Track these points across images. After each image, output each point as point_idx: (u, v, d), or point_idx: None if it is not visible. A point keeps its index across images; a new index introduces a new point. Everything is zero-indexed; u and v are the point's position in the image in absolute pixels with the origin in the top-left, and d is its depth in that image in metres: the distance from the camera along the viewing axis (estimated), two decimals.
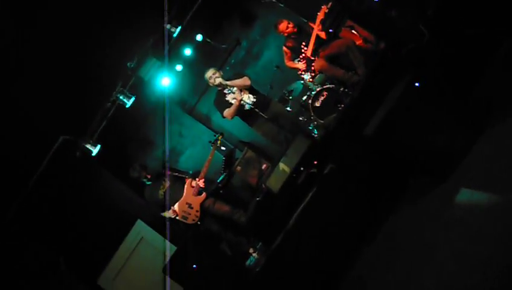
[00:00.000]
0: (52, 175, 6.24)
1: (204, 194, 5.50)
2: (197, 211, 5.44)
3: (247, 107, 5.44)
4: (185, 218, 5.45)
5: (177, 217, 5.46)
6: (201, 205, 5.46)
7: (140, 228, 6.64)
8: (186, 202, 5.44)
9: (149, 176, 5.59)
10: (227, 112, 5.57)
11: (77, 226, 6.64)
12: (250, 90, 5.60)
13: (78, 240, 6.60)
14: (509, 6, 3.35)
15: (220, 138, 5.73)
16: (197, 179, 5.54)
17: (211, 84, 5.66)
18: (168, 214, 5.51)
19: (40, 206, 6.49)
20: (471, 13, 3.73)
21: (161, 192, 5.54)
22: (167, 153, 6.85)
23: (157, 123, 7.99)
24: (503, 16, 3.39)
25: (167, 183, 5.57)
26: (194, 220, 5.44)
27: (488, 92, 3.56)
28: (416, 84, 3.37)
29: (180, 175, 5.64)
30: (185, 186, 5.52)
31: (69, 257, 6.51)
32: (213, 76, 5.55)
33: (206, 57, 7.58)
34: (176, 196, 5.50)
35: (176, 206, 5.45)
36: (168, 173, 5.64)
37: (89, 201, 6.68)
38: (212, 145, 5.68)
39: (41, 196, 6.38)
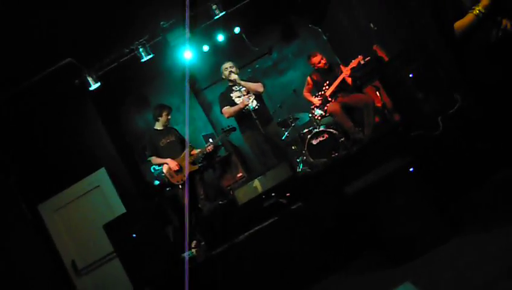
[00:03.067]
0: (44, 90, 6.17)
1: (197, 166, 5.51)
2: (184, 176, 5.45)
3: (248, 109, 5.39)
4: (171, 176, 5.46)
5: (164, 171, 5.47)
6: (191, 173, 5.46)
7: (102, 176, 6.58)
8: (179, 164, 5.43)
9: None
10: (227, 109, 5.55)
11: (43, 147, 6.55)
12: (259, 98, 5.58)
13: (37, 160, 6.51)
14: None
15: (232, 131, 5.75)
16: (199, 149, 5.58)
17: (224, 77, 5.66)
18: (155, 161, 5.53)
19: (18, 114, 6.41)
20: (487, 128, 3.80)
21: (164, 141, 5.57)
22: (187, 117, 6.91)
23: (161, 88, 8.00)
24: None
25: (172, 138, 5.62)
26: (177, 181, 5.46)
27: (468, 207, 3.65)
28: (411, 169, 3.41)
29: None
30: (186, 150, 5.52)
31: (22, 172, 6.41)
32: (230, 69, 5.54)
33: (234, 51, 7.62)
34: (173, 154, 5.50)
35: (169, 161, 5.43)
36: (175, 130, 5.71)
37: (65, 129, 6.61)
38: (221, 132, 5.73)
39: (24, 103, 6.31)
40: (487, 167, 3.78)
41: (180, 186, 5.43)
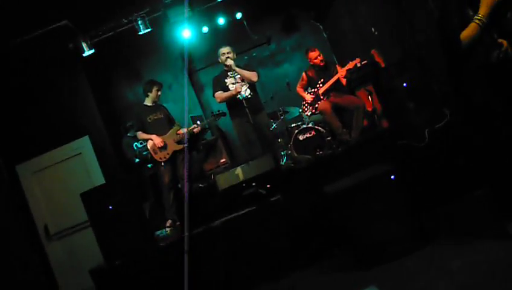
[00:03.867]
0: (36, 50, 6.08)
1: (183, 146, 5.48)
2: (167, 154, 5.41)
3: (239, 97, 5.36)
4: (155, 152, 5.41)
5: (148, 146, 5.43)
6: (174, 152, 5.44)
7: (85, 144, 6.53)
8: (164, 141, 5.40)
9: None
10: (219, 94, 5.53)
11: (29, 108, 6.46)
12: (252, 87, 5.56)
13: (21, 120, 6.43)
14: None
15: (222, 116, 5.75)
16: (187, 128, 5.54)
17: (220, 61, 5.61)
18: (141, 136, 5.51)
19: (7, 70, 6.30)
20: (471, 147, 3.85)
21: (152, 117, 5.50)
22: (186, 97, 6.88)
23: (155, 64, 7.95)
24: None
25: (160, 115, 5.57)
26: (160, 158, 5.41)
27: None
28: (392, 176, 3.45)
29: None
30: (173, 128, 5.49)
31: (4, 129, 6.31)
32: (227, 55, 5.49)
33: (233, 36, 7.58)
34: (160, 131, 5.48)
35: (154, 137, 5.41)
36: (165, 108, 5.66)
37: (53, 92, 6.52)
38: (211, 116, 5.74)
39: (14, 61, 6.21)
40: (465, 184, 3.85)
41: (162, 164, 5.40)
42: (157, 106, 5.65)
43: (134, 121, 5.67)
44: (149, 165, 5.99)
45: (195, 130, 5.58)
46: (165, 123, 5.57)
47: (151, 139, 5.40)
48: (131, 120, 6.06)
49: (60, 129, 6.48)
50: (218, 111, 5.70)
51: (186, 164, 5.53)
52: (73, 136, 6.53)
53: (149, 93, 5.60)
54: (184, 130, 5.54)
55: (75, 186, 6.04)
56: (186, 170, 5.53)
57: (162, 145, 5.38)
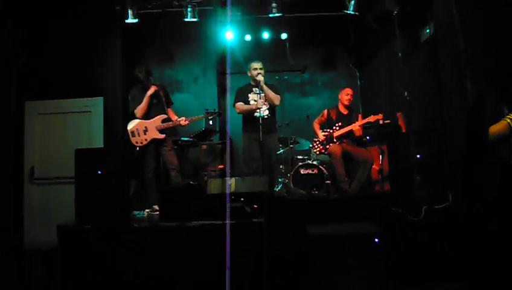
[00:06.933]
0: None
1: (164, 135, 5.44)
2: (145, 140, 5.37)
3: (256, 115, 5.38)
4: (133, 134, 5.39)
5: (128, 127, 5.41)
6: (153, 139, 5.41)
7: (97, 104, 6.53)
8: (147, 126, 5.39)
9: (151, 84, 5.48)
10: (240, 105, 5.56)
11: (58, 51, 6.49)
12: (271, 108, 5.58)
13: (47, 59, 6.46)
14: None
15: (215, 115, 5.76)
16: (177, 118, 5.49)
17: (249, 74, 5.63)
18: (132, 124, 5.45)
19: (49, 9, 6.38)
20: (463, 238, 3.82)
21: (146, 99, 5.42)
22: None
23: (189, 53, 8.02)
24: None
25: (161, 92, 5.48)
26: (137, 143, 5.38)
27: None
28: (377, 239, 3.42)
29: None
30: (159, 116, 5.46)
31: (27, 62, 6.33)
32: (259, 69, 5.50)
33: (271, 52, 7.65)
34: (149, 114, 5.47)
35: (138, 121, 5.41)
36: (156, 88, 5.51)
37: (85, 46, 6.53)
38: (205, 112, 5.67)
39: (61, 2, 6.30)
40: (444, 272, 3.82)
41: (137, 148, 5.36)
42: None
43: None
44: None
45: (182, 122, 5.48)
46: (155, 108, 5.48)
47: (134, 123, 5.38)
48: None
49: (78, 82, 6.49)
50: (214, 110, 5.71)
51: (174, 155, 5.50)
52: (88, 93, 6.52)
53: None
54: (174, 120, 5.45)
55: (73, 141, 6.06)
56: (175, 159, 5.47)
57: (141, 130, 5.35)
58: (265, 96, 5.44)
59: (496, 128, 2.76)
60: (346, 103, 5.99)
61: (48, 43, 6.50)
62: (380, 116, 5.70)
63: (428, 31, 5.56)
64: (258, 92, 5.49)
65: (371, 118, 5.71)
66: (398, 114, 6.11)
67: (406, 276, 3.81)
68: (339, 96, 6.08)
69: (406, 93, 5.99)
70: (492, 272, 2.79)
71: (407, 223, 4.05)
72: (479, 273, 2.91)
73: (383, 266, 3.41)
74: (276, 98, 5.48)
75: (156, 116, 5.44)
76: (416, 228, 4.03)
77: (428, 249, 3.97)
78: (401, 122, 6.01)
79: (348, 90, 6.01)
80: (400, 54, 6.06)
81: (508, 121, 2.73)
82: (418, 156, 4.43)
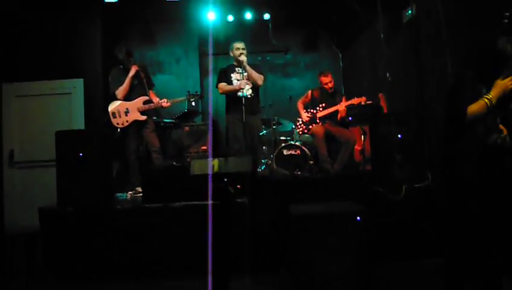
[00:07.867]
0: None
1: (145, 117, 5.41)
2: (126, 122, 5.34)
3: (239, 95, 5.36)
4: (114, 116, 5.34)
5: (109, 108, 5.36)
6: (135, 121, 5.36)
7: (77, 86, 6.41)
8: (128, 107, 5.34)
9: (132, 65, 5.43)
10: (222, 85, 5.53)
11: (35, 32, 6.33)
12: (255, 88, 5.56)
13: (23, 41, 6.31)
14: None
15: (197, 97, 5.74)
16: (158, 100, 5.45)
17: (231, 54, 5.59)
18: (113, 105, 5.40)
19: None
20: (441, 216, 3.90)
21: (128, 80, 5.38)
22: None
23: (170, 33, 7.91)
24: None
25: (142, 74, 5.45)
26: (118, 124, 5.34)
27: None
28: (358, 218, 3.47)
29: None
30: (141, 97, 5.40)
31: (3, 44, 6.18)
32: (241, 50, 5.47)
33: (254, 33, 7.60)
34: (130, 95, 5.39)
35: (120, 102, 5.34)
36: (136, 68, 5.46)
37: (63, 26, 6.39)
38: (186, 94, 5.63)
39: None
40: (423, 248, 3.91)
41: (118, 130, 5.33)
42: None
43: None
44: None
45: (163, 104, 5.45)
46: (137, 90, 5.46)
47: (115, 105, 5.34)
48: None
49: (58, 63, 6.34)
50: (196, 92, 5.71)
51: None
52: (68, 74, 6.38)
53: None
54: (156, 102, 5.44)
55: (53, 124, 5.93)
56: (157, 141, 5.46)
57: (122, 111, 5.33)
58: (248, 76, 5.42)
59: (474, 107, 2.79)
60: (328, 89, 6.03)
61: (25, 23, 6.33)
62: (364, 98, 5.74)
63: (410, 12, 5.58)
64: (240, 71, 5.48)
65: (355, 100, 5.75)
66: (380, 95, 6.16)
67: (387, 253, 3.89)
68: (319, 80, 6.10)
69: (387, 74, 6.04)
70: (470, 248, 2.87)
71: (388, 202, 4.13)
72: (457, 250, 2.98)
73: (365, 243, 3.46)
74: (259, 78, 5.47)
75: (137, 97, 5.40)
76: (397, 207, 4.11)
77: (409, 226, 4.06)
78: (382, 103, 6.06)
79: (325, 78, 6.04)
80: (382, 35, 6.07)
81: (486, 100, 2.76)
82: (399, 135, 4.48)
